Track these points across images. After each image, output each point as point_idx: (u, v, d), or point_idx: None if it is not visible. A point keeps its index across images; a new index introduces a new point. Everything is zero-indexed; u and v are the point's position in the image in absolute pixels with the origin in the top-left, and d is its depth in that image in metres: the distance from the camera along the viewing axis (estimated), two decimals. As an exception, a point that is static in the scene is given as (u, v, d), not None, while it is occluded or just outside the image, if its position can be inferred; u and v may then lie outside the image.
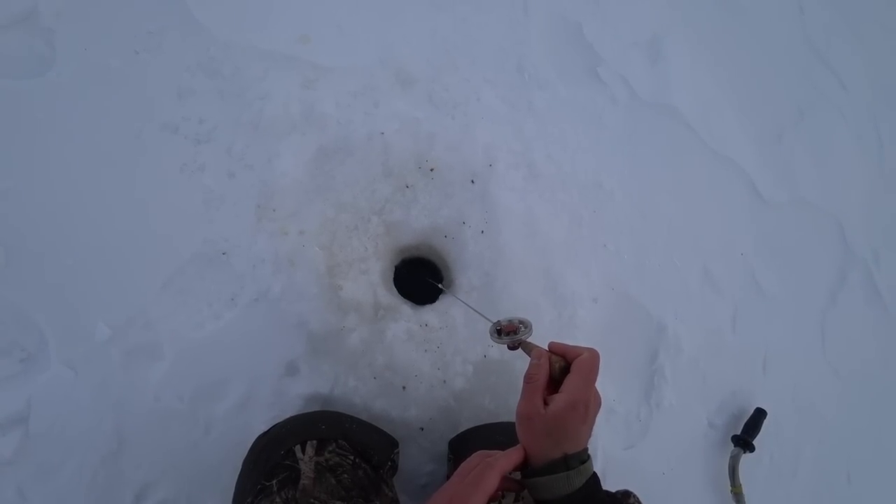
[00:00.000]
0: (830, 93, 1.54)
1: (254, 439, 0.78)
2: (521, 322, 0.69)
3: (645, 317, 1.15)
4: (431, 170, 1.07)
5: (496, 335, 0.70)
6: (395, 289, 1.05)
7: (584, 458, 0.54)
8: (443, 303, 1.03)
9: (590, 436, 0.56)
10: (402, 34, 1.11)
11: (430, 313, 1.01)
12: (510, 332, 0.68)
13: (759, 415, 1.13)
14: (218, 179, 1.00)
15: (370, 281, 1.00)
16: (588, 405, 0.54)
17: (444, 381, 0.97)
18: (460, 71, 1.13)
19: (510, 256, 1.05)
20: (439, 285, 1.05)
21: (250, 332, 0.94)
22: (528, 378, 0.57)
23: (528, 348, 0.63)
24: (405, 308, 1.01)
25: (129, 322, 0.91)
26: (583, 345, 0.58)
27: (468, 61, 1.14)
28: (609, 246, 1.15)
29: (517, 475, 0.57)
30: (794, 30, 1.57)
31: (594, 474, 0.55)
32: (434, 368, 0.97)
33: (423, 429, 0.94)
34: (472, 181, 1.08)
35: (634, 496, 0.60)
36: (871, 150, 1.54)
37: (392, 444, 0.83)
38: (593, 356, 0.56)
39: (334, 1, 1.11)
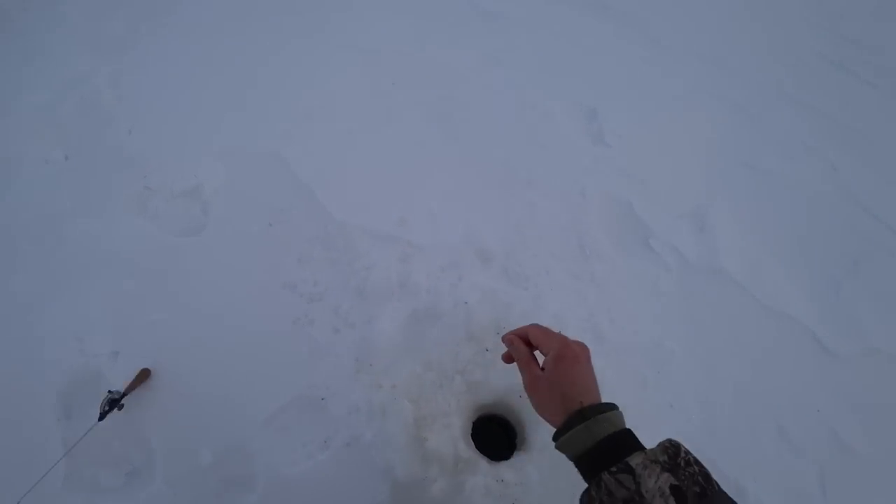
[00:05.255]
0: (882, 240, 1.58)
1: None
2: None
3: (720, 478, 1.12)
4: (506, 330, 1.21)
5: None
6: (472, 443, 1.13)
7: (602, 409, 0.55)
8: (518, 459, 1.10)
9: (595, 384, 0.60)
10: (482, 217, 1.36)
11: (506, 469, 1.07)
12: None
13: None
14: (324, 333, 1.19)
15: (451, 435, 1.09)
16: (574, 350, 0.60)
17: (521, 543, 0.99)
18: (530, 248, 1.33)
19: (580, 414, 1.12)
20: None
21: (339, 474, 1.03)
22: (517, 360, 0.64)
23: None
24: (482, 463, 1.08)
25: (229, 451, 1.04)
26: None
27: (536, 239, 1.35)
28: (675, 406, 1.19)
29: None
30: (831, 186, 1.69)
31: (627, 430, 0.54)
32: (510, 527, 1.00)
33: None
34: (543, 342, 1.21)
35: (684, 448, 0.52)
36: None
37: None
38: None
39: (427, 190, 1.39)
